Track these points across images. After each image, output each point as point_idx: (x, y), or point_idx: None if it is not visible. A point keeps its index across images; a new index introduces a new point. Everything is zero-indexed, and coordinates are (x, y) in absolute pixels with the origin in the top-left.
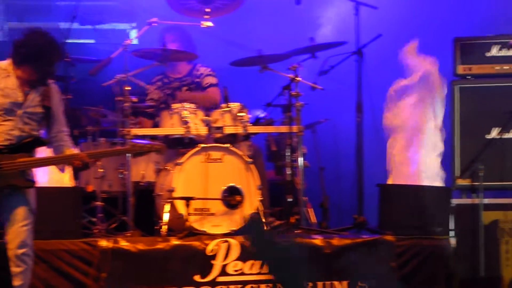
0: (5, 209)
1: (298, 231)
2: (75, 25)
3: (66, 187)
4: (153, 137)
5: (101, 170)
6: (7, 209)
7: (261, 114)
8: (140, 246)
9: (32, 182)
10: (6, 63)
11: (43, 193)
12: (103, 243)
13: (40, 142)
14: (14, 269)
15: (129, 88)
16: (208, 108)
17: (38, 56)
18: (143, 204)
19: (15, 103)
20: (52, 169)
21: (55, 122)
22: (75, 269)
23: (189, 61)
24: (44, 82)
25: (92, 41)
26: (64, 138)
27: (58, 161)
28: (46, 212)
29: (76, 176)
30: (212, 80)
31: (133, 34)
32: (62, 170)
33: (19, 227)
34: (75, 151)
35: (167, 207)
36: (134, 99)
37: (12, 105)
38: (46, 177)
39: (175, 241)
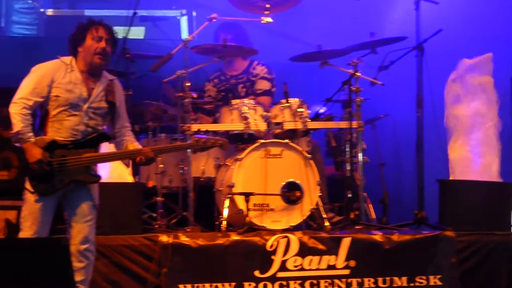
0: (69, 205)
1: (358, 227)
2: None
3: (127, 183)
4: (214, 133)
5: (162, 165)
6: (72, 204)
7: (320, 109)
8: (200, 242)
9: (97, 177)
10: (69, 59)
11: (104, 188)
12: (164, 238)
13: (105, 137)
14: (77, 264)
15: (189, 84)
16: None
17: (81, 40)
18: (203, 200)
19: (81, 98)
20: (113, 164)
21: (119, 117)
22: (135, 264)
23: (248, 56)
24: (94, 66)
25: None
26: (127, 133)
27: (122, 156)
28: (107, 207)
29: (135, 170)
30: (265, 85)
31: (184, 21)
32: (127, 165)
33: (83, 222)
34: (138, 146)
35: (227, 203)
36: (194, 94)
37: (77, 100)
38: (107, 172)
39: (235, 237)
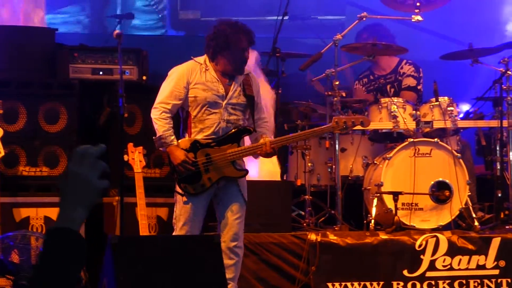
0: (220, 203)
1: (508, 227)
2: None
3: (277, 181)
4: (362, 132)
5: (310, 164)
6: (222, 203)
7: (470, 108)
8: (349, 240)
9: (244, 171)
10: (203, 58)
11: (254, 186)
12: (312, 236)
13: (246, 131)
14: (227, 261)
15: (338, 82)
16: None
17: (227, 45)
18: (351, 198)
19: (218, 95)
20: (262, 162)
21: (256, 110)
22: (284, 262)
23: (398, 55)
24: (240, 70)
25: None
26: (262, 125)
27: (248, 152)
28: (257, 205)
29: (285, 169)
30: (411, 81)
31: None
32: (255, 157)
33: (233, 220)
34: (267, 138)
35: (375, 202)
36: (343, 93)
37: (215, 97)
38: (257, 170)
39: (383, 236)
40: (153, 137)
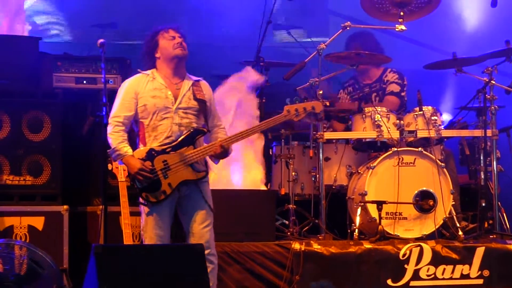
0: (185, 213)
1: (492, 236)
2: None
3: (261, 190)
4: (346, 141)
5: (294, 173)
6: (188, 212)
7: (454, 117)
8: (333, 249)
9: (203, 171)
10: (149, 71)
11: (238, 195)
12: (296, 245)
13: (199, 132)
14: None
15: (321, 92)
16: None
17: (155, 43)
18: (335, 208)
19: (167, 100)
20: (246, 172)
21: (211, 115)
22: (268, 271)
23: (381, 65)
24: (180, 56)
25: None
26: (219, 131)
27: (206, 152)
28: (240, 214)
29: (268, 178)
30: (394, 87)
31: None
32: (215, 162)
33: (201, 228)
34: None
35: (359, 211)
36: (327, 102)
37: (165, 102)
38: (240, 179)
39: (367, 245)
40: (107, 151)
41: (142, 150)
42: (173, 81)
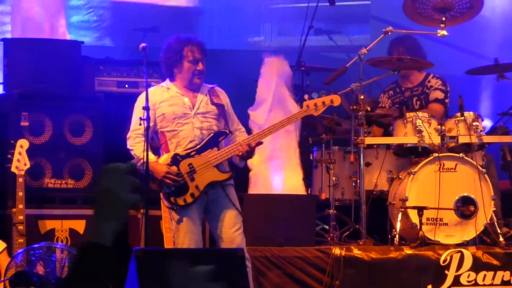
0: (214, 218)
1: None
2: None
3: (301, 195)
4: (387, 146)
5: (334, 178)
6: (215, 215)
7: (496, 123)
8: (373, 255)
9: (230, 172)
10: (164, 82)
11: (278, 199)
12: (336, 250)
13: (222, 134)
14: None
15: (363, 96)
16: None
17: (179, 58)
18: (375, 213)
19: (185, 106)
20: (287, 176)
21: (230, 120)
22: (308, 276)
23: (423, 70)
24: (198, 80)
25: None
26: (239, 134)
27: (227, 153)
28: (281, 219)
29: (309, 183)
30: (438, 94)
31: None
32: (241, 164)
33: (232, 232)
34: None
35: (399, 216)
36: (368, 107)
37: (183, 109)
38: (281, 184)
39: (408, 251)
40: (132, 161)
41: (166, 156)
42: (189, 89)
